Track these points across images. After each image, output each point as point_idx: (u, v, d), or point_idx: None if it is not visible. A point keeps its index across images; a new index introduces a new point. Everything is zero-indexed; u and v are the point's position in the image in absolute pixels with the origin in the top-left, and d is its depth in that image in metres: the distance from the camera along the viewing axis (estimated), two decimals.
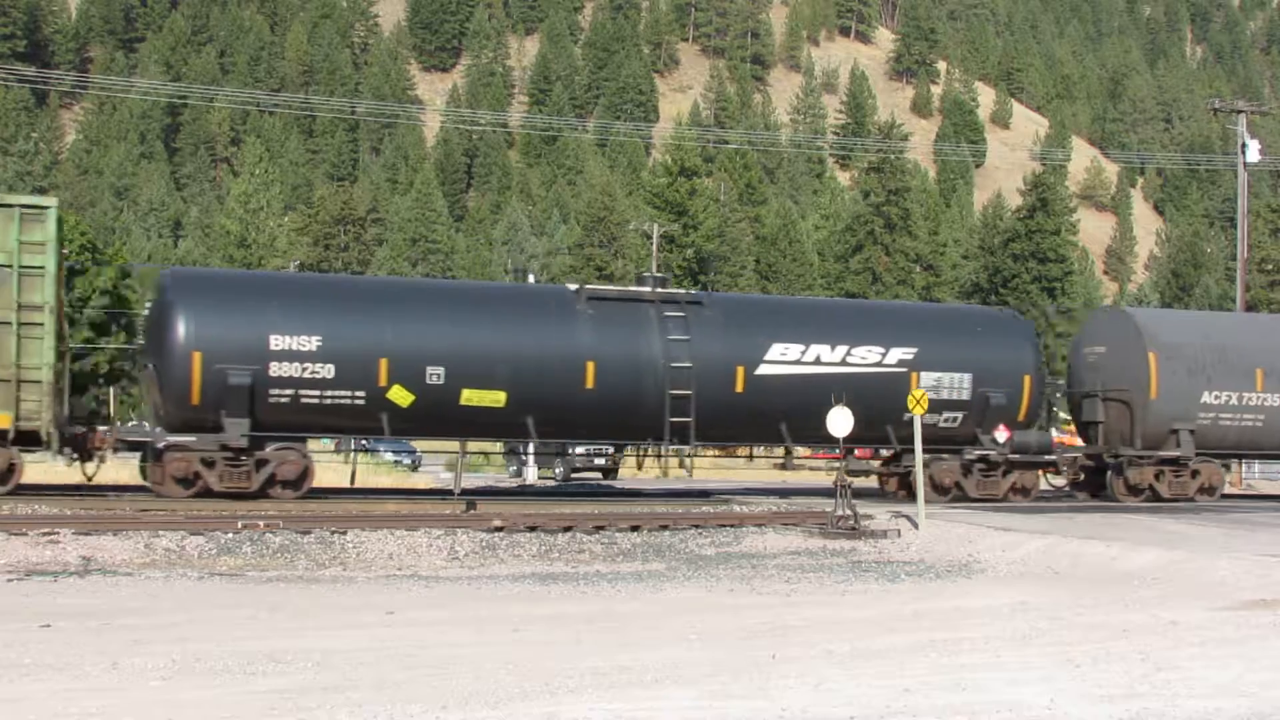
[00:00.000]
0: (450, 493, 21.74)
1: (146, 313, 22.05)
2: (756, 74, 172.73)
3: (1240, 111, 47.65)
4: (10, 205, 19.69)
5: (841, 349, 23.46)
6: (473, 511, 20.04)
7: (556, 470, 34.82)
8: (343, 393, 20.82)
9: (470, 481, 26.78)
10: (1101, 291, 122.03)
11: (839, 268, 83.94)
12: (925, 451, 22.40)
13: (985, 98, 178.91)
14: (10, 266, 19.35)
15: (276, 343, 20.56)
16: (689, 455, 23.79)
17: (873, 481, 26.87)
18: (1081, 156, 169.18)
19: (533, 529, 18.97)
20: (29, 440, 19.65)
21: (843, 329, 23.98)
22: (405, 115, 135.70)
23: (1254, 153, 44.74)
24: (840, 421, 20.84)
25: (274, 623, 12.27)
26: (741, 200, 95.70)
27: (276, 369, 20.51)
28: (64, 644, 10.73)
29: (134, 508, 18.88)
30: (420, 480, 33.29)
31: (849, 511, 20.30)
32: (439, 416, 21.63)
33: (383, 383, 20.98)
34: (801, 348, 23.21)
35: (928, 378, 23.67)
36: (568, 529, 19.16)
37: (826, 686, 9.23)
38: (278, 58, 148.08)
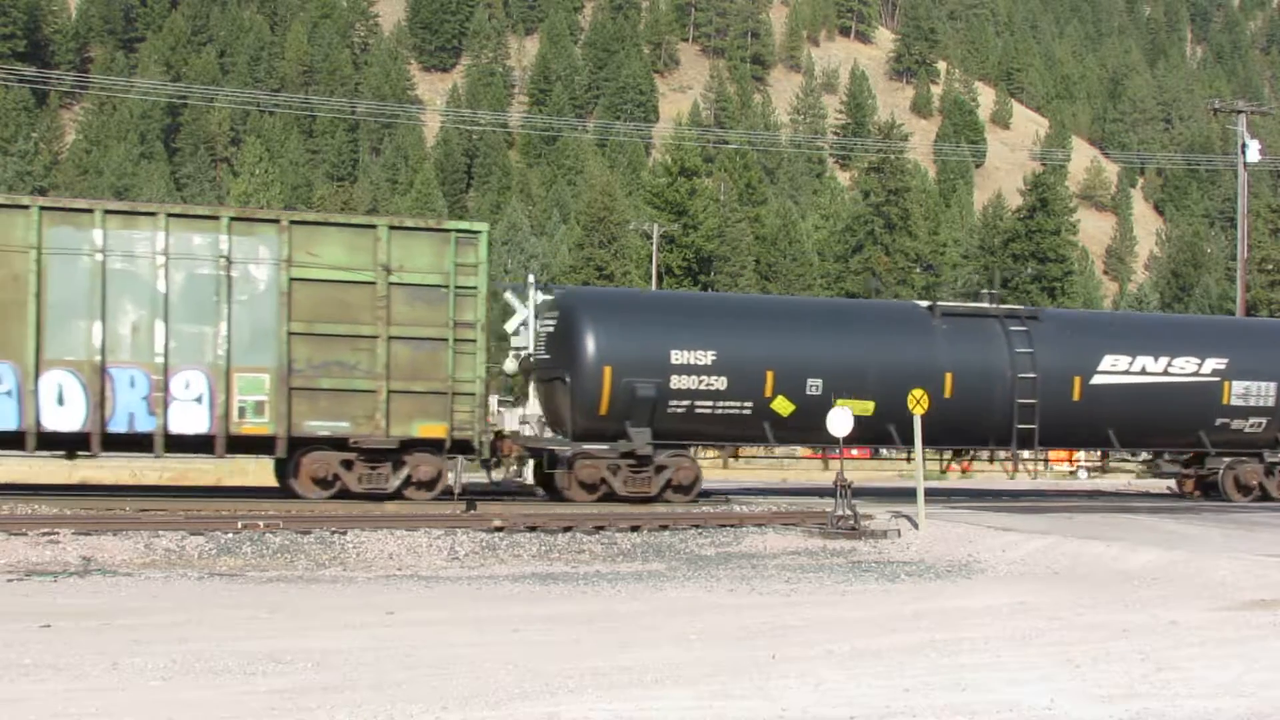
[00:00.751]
0: (450, 493, 21.86)
1: (551, 330, 23.11)
2: (756, 74, 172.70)
3: (1240, 111, 47.66)
4: (447, 230, 21.20)
5: (1163, 360, 25.37)
6: (473, 511, 20.05)
7: None
8: (732, 403, 22.45)
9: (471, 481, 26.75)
10: (1101, 292, 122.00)
11: (839, 268, 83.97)
12: (1229, 454, 26.00)
13: (985, 98, 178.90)
14: (447, 287, 20.79)
15: (677, 357, 22.25)
16: (1033, 460, 26.85)
17: (1160, 484, 29.61)
18: (1081, 156, 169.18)
19: (533, 529, 18.98)
20: (461, 449, 21.05)
21: (1163, 341, 25.81)
22: (405, 115, 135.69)
23: (1254, 153, 44.75)
24: (840, 421, 20.98)
25: (274, 623, 12.28)
26: (741, 200, 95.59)
27: (676, 382, 22.21)
28: (64, 644, 10.74)
29: (134, 508, 18.89)
30: None
31: (849, 511, 20.32)
32: (815, 425, 22.74)
33: (768, 393, 22.58)
34: (1129, 359, 25.11)
35: (1238, 386, 25.77)
36: (568, 529, 19.16)
37: (826, 687, 9.23)
38: (278, 58, 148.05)
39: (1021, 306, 26.03)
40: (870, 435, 24.12)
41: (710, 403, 22.36)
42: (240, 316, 19.94)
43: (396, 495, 20.58)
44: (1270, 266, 76.29)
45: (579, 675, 9.56)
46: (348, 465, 20.46)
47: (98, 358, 19.38)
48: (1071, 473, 40.36)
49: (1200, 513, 23.74)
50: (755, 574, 16.78)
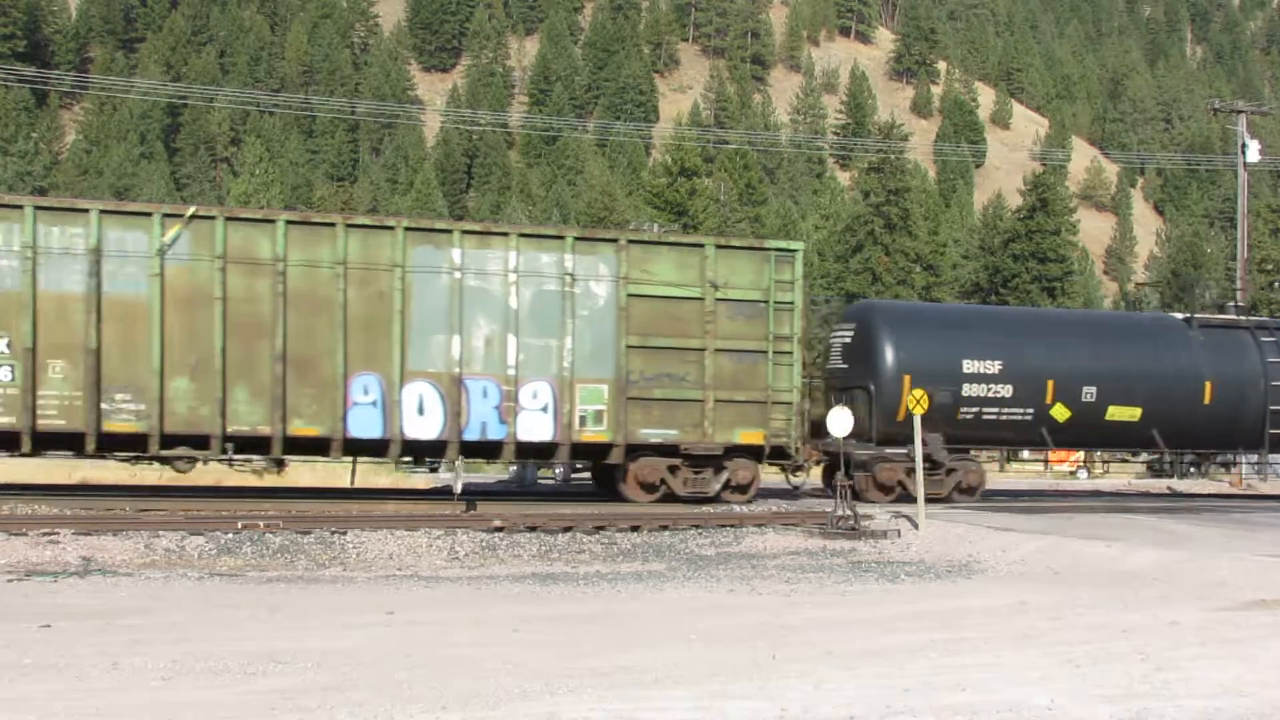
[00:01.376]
0: (450, 493, 21.90)
1: (847, 341, 24.64)
2: (756, 74, 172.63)
3: (1240, 111, 47.65)
4: (767, 249, 22.59)
5: None
6: (473, 511, 20.05)
7: (557, 471, 34.78)
8: (1016, 410, 24.30)
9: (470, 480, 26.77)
10: (1101, 292, 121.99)
11: (839, 268, 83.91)
12: None
13: (985, 98, 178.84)
14: (766, 302, 22.23)
15: (968, 367, 24.10)
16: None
17: None
18: (1081, 156, 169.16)
19: (533, 529, 18.97)
20: (777, 455, 22.54)
21: None
22: (405, 115, 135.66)
23: (1254, 153, 44.75)
24: (840, 421, 21.01)
25: (274, 623, 12.27)
26: (741, 200, 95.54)
27: (967, 389, 24.08)
28: (64, 644, 10.74)
29: (134, 508, 18.88)
30: (420, 480, 33.27)
31: (849, 512, 20.32)
32: (1087, 430, 25.03)
33: (1048, 401, 24.40)
34: None
35: None
36: (568, 529, 19.16)
37: (827, 687, 9.23)
38: (278, 58, 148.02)
39: (1269, 318, 28.27)
40: (1134, 440, 25.98)
41: (996, 409, 24.13)
42: (582, 330, 21.46)
43: (715, 499, 22.02)
44: (1270, 266, 76.16)
45: (579, 675, 9.56)
46: (672, 470, 21.87)
47: (455, 370, 20.86)
48: (1071, 473, 40.39)
49: (1200, 513, 23.73)
50: (755, 574, 16.77)
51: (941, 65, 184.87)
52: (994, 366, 24.13)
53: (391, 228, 20.88)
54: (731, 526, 20.32)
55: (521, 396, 21.11)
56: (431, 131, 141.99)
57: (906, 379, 23.56)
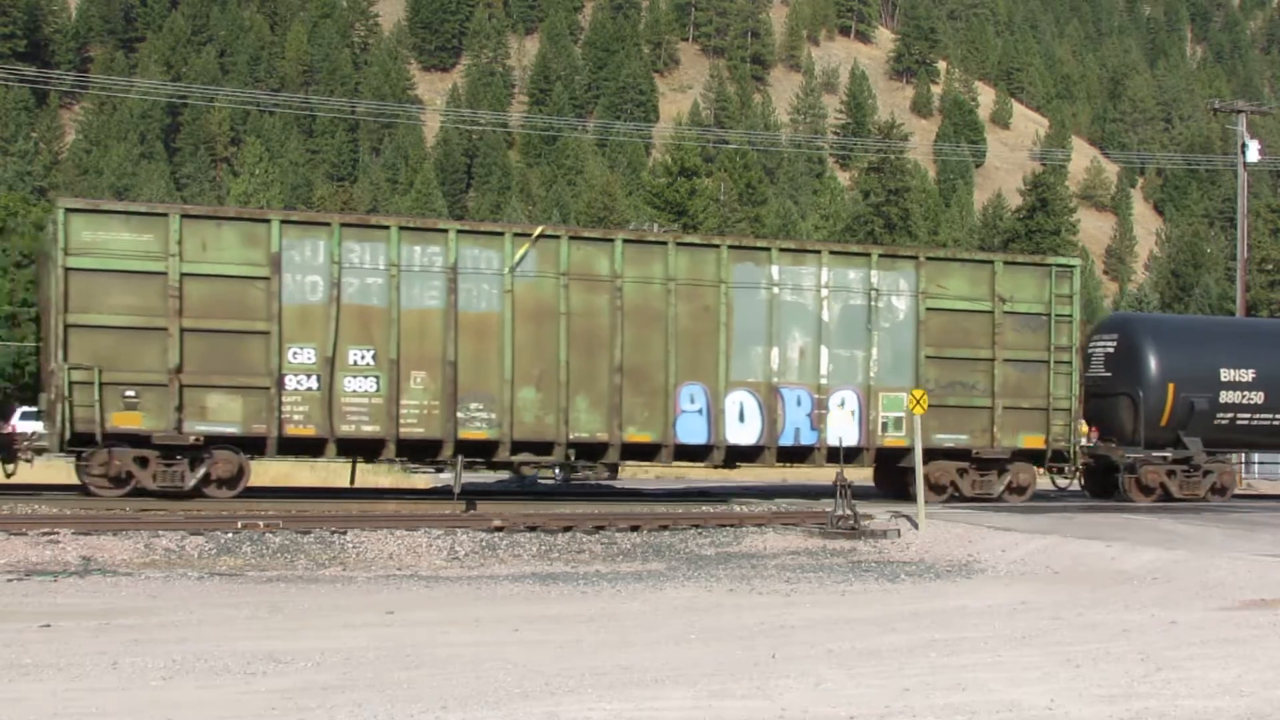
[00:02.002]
0: (450, 492, 21.93)
1: (1110, 351, 26.06)
2: (756, 74, 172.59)
3: (1240, 111, 47.63)
4: (1048, 264, 24.32)
5: None
6: (473, 511, 20.05)
7: (556, 471, 34.76)
8: (1266, 415, 26.19)
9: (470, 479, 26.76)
10: (1101, 291, 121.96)
11: None
12: None
13: (985, 98, 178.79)
14: (1047, 315, 23.82)
15: (1225, 375, 25.85)
16: None
17: None
18: (1081, 156, 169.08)
19: (533, 529, 18.97)
20: (1056, 459, 24.04)
21: None
22: (405, 115, 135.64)
23: (1254, 153, 44.73)
24: (840, 423, 21.09)
25: (274, 623, 12.27)
26: (741, 200, 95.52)
27: (1224, 396, 25.76)
28: (64, 644, 10.74)
29: (134, 508, 18.88)
30: (420, 480, 33.27)
31: (849, 511, 20.31)
32: None
33: None
34: None
35: None
36: (568, 529, 19.15)
37: (826, 686, 9.23)
38: (278, 58, 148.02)
39: None
40: None
41: (1249, 415, 26.00)
42: (884, 342, 22.96)
43: (999, 499, 23.36)
44: (1270, 266, 76.21)
45: (579, 675, 9.56)
46: (961, 473, 23.24)
47: (772, 379, 22.30)
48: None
49: (1200, 513, 23.73)
50: (755, 574, 16.77)
51: (941, 65, 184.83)
52: (1248, 375, 25.86)
53: (716, 246, 22.34)
54: (731, 526, 20.31)
55: (831, 404, 22.53)
56: (431, 131, 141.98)
57: (1171, 386, 25.24)
